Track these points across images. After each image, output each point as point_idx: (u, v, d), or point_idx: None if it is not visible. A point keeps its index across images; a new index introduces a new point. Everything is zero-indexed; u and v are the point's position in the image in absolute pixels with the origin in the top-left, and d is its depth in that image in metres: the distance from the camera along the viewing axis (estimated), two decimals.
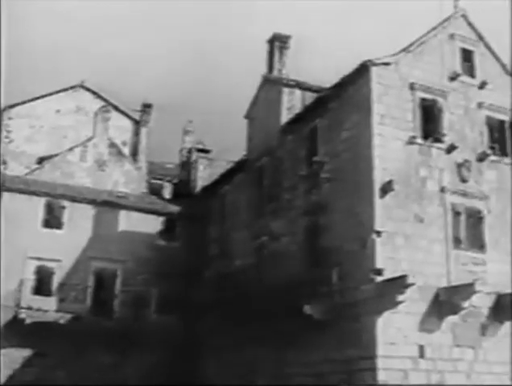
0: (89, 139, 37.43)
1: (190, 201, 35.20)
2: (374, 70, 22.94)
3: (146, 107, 44.29)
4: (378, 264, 21.46)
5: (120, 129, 43.34)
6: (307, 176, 25.34)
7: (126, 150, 43.29)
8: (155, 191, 38.15)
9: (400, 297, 20.72)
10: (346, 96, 23.90)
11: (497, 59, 25.67)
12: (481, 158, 24.17)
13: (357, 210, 22.50)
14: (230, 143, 37.37)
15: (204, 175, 35.29)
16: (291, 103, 27.76)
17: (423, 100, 23.56)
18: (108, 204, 33.19)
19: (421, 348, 21.52)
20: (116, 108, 43.91)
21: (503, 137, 24.99)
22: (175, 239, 33.85)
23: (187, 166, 37.15)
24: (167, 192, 39.26)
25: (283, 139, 27.29)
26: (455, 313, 21.95)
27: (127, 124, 44.07)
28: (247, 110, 30.71)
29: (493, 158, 24.46)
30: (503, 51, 26.05)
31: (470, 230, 23.32)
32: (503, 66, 25.72)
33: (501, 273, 23.49)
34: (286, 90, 28.01)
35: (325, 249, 23.62)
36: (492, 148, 24.57)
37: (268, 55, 30.07)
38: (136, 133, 43.93)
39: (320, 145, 25.06)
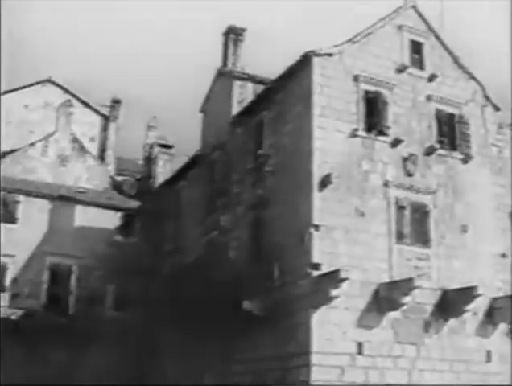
0: (51, 134, 36.95)
1: (149, 197, 34.77)
2: (316, 61, 22.48)
3: (115, 102, 43.92)
4: (316, 259, 20.98)
5: (89, 124, 43.04)
6: (254, 170, 24.90)
7: (95, 146, 42.99)
8: (120, 187, 37.66)
9: (334, 292, 20.24)
10: (290, 88, 23.46)
11: (449, 51, 25.18)
12: (429, 151, 23.69)
13: (297, 204, 22.04)
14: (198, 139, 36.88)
15: (164, 171, 34.81)
16: (243, 96, 27.31)
17: (368, 92, 23.09)
18: (64, 199, 32.73)
19: (359, 345, 21.04)
20: (85, 104, 43.61)
21: (453, 131, 24.50)
22: (132, 235, 33.45)
23: (149, 161, 36.71)
24: (134, 188, 38.78)
25: (233, 132, 26.85)
26: (395, 309, 21.46)
27: (96, 119, 43.73)
28: (202, 104, 30.27)
29: (441, 152, 23.97)
30: (456, 44, 25.58)
31: (415, 225, 22.85)
32: (455, 58, 25.23)
33: (446, 268, 23.05)
34: (237, 83, 27.58)
35: (268, 244, 23.18)
36: (440, 142, 24.08)
37: (223, 48, 29.60)
38: (105, 129, 43.57)
39: (265, 138, 24.63)
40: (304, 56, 22.55)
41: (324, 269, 20.89)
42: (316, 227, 21.18)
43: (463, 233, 23.68)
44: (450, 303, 22.49)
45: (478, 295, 22.11)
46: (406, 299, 21.19)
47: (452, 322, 22.73)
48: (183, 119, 43.82)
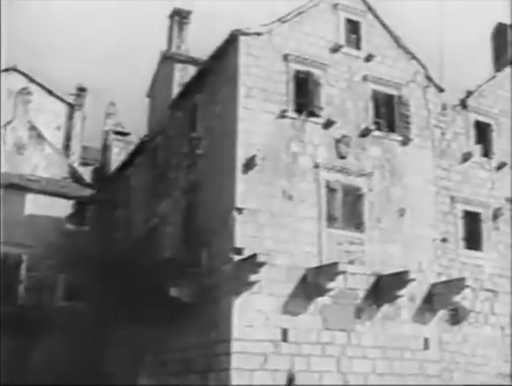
0: (9, 122, 36.40)
1: (102, 185, 34.23)
2: (243, 40, 21.78)
3: (81, 91, 43.27)
4: (239, 243, 20.34)
5: (54, 113, 42.43)
6: (188, 154, 24.29)
7: (60, 135, 42.41)
8: (79, 176, 37.11)
9: (253, 277, 19.61)
10: (219, 69, 22.80)
11: (389, 30, 24.43)
12: (364, 133, 22.99)
13: (223, 187, 21.42)
14: None
15: (120, 158, 34.19)
16: (184, 79, 26.68)
17: (298, 72, 22.36)
18: (14, 187, 32.17)
19: (284, 331, 20.41)
20: (50, 93, 42.98)
21: (391, 112, 23.79)
22: (84, 223, 32.91)
23: (105, 149, 36.16)
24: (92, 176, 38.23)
25: (173, 116, 26.24)
26: (322, 294, 20.83)
27: (61, 108, 43.10)
28: (148, 88, 29.67)
29: (377, 133, 23.28)
30: (398, 23, 24.85)
31: (347, 208, 22.18)
32: (395, 38, 24.48)
33: (381, 253, 22.40)
34: (179, 66, 27.02)
35: (198, 229, 22.60)
36: (377, 123, 23.37)
37: (168, 31, 28.97)
38: (70, 118, 42.95)
39: (198, 121, 24.01)
40: (231, 36, 21.88)
41: (248, 254, 20.23)
42: (240, 210, 20.55)
43: (400, 217, 23.01)
44: (383, 289, 21.85)
45: (411, 280, 21.49)
46: (332, 284, 20.54)
47: (387, 308, 22.09)
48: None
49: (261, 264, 19.40)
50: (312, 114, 22.25)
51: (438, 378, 22.67)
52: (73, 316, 30.38)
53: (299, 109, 22.16)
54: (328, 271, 20.45)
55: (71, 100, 43.09)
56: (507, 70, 27.06)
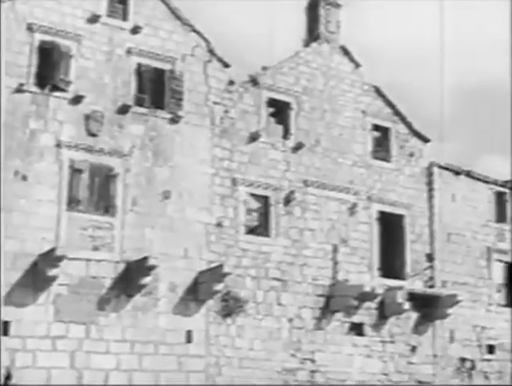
0: None
1: None
2: None
3: None
4: None
5: None
6: None
7: None
8: None
9: None
10: None
11: (164, 2, 22.68)
12: (122, 110, 21.25)
13: None
14: None
15: None
16: None
17: (44, 43, 20.60)
18: None
19: (5, 324, 18.67)
20: None
21: (161, 88, 22.09)
22: None
23: None
24: None
25: None
26: (49, 283, 19.12)
27: None
28: None
29: (141, 110, 21.56)
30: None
31: (96, 190, 20.53)
32: (172, 10, 22.75)
33: (137, 238, 20.71)
34: None
35: None
36: (140, 99, 21.63)
37: None
38: None
39: None
40: None
41: None
42: None
43: (164, 200, 21.31)
44: (134, 277, 20.12)
45: (152, 267, 19.79)
46: (54, 271, 18.81)
47: (141, 299, 20.41)
48: None
49: None
50: (57, 88, 20.50)
51: (203, 374, 20.97)
52: None
53: (43, 83, 20.40)
54: (50, 257, 18.73)
55: None
56: (314, 45, 25.37)
